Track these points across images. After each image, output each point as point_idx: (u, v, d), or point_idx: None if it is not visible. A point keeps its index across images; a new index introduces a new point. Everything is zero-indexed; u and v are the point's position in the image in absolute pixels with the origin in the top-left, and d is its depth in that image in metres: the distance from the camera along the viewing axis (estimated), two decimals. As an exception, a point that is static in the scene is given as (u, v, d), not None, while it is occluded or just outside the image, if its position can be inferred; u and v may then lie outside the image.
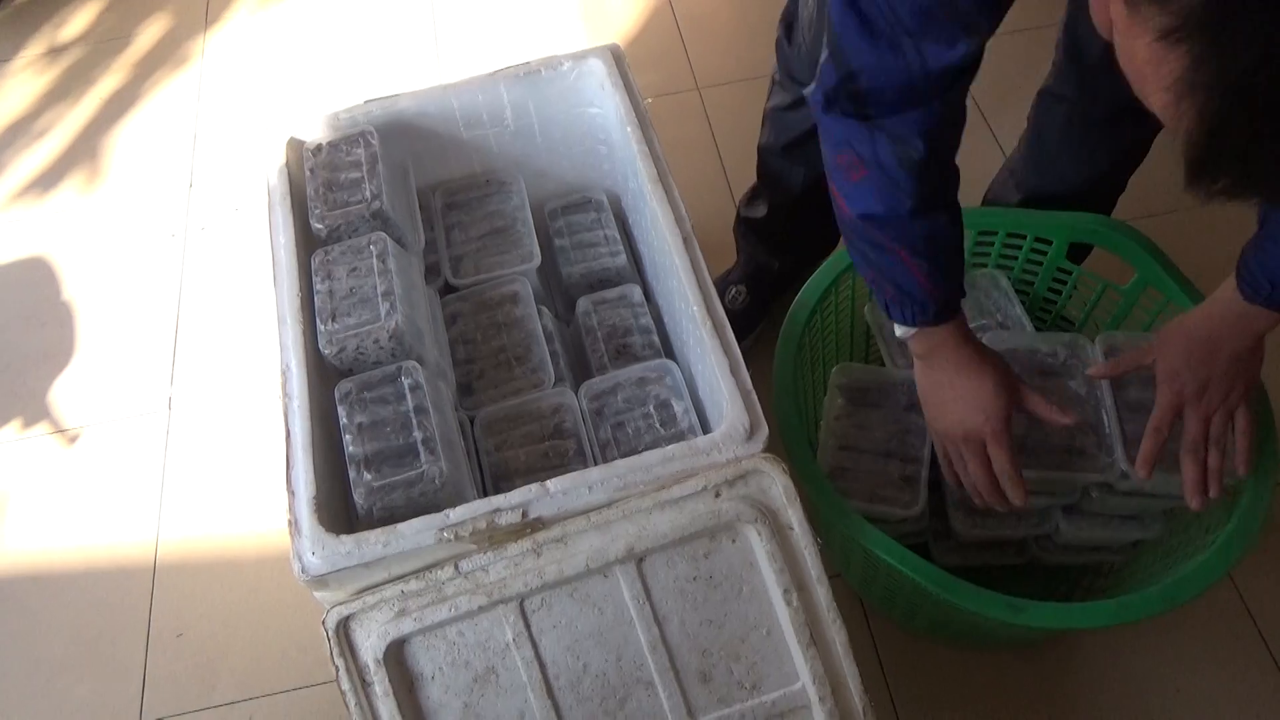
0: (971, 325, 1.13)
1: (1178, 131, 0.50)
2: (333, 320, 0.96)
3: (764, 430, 0.85)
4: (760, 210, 1.44)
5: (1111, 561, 1.14)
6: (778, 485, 0.82)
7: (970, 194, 1.23)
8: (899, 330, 0.92)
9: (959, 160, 0.87)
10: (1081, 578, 1.19)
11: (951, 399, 0.93)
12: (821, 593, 0.81)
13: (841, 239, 0.95)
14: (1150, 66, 0.50)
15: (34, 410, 1.53)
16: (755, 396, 0.87)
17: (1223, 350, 0.88)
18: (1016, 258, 1.17)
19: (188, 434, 1.48)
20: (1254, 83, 0.45)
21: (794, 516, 0.82)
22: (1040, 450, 0.98)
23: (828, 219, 1.42)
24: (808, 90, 0.84)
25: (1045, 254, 1.15)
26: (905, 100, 0.77)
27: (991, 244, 1.17)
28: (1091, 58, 1.08)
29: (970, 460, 0.93)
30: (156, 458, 1.46)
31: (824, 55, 0.80)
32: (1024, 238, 1.14)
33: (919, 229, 0.84)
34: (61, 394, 1.55)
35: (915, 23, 0.71)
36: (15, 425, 1.52)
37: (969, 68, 0.76)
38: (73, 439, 1.49)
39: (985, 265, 1.20)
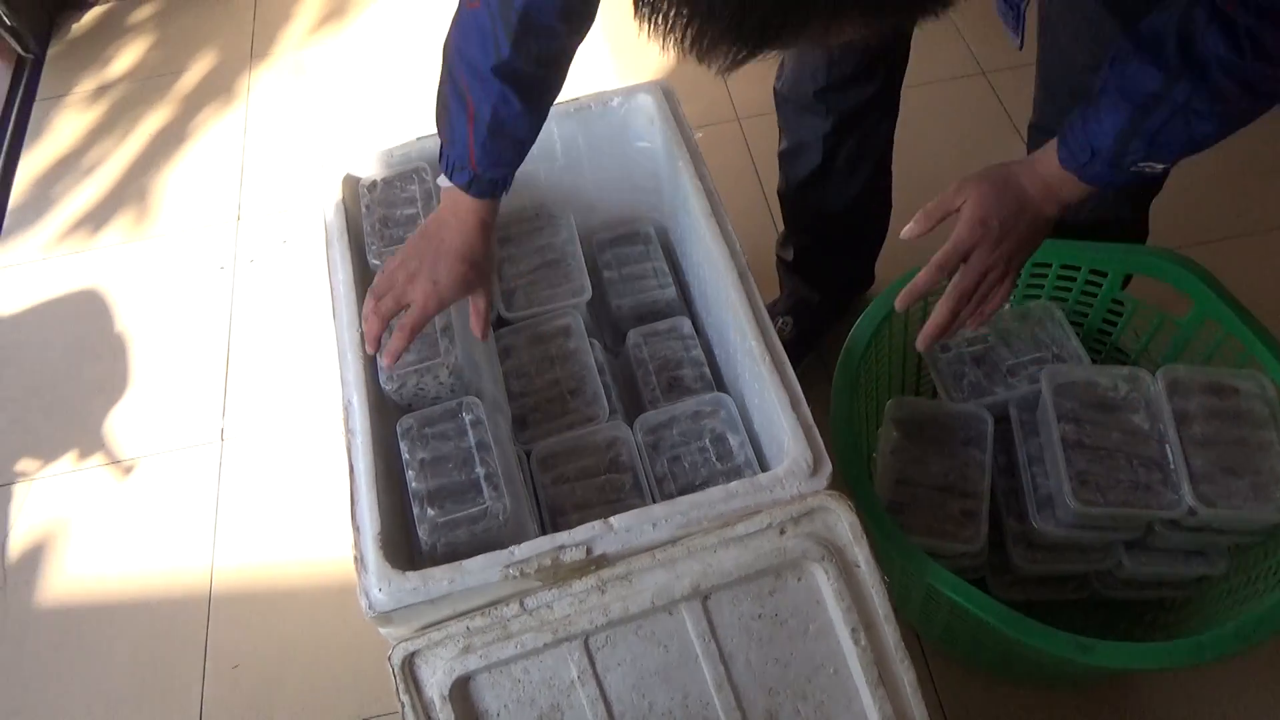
0: (1026, 358, 1.12)
1: None
2: None
3: (828, 466, 0.84)
4: (789, 252, 1.48)
5: (1174, 597, 1.12)
6: (844, 522, 0.82)
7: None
8: (442, 180, 0.94)
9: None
10: (1143, 614, 1.17)
11: (425, 247, 0.94)
12: (889, 631, 0.80)
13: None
14: None
15: (90, 442, 1.55)
16: (817, 432, 0.87)
17: (1029, 211, 0.86)
18: (1070, 289, 1.16)
19: (241, 465, 1.50)
20: None
21: (860, 554, 0.81)
22: (1106, 486, 0.97)
23: (856, 253, 1.42)
24: None
25: (1100, 286, 1.14)
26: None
27: (1045, 276, 1.16)
28: (1064, 91, 1.08)
29: (383, 300, 0.93)
30: (210, 489, 1.48)
31: None
32: (1078, 269, 1.14)
33: (494, 93, 0.86)
34: (116, 426, 1.57)
35: None
36: (72, 456, 1.54)
37: None
38: (128, 470, 1.52)
39: (1039, 297, 1.19)
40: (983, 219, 0.85)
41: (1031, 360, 1.12)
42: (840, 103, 1.20)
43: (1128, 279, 1.17)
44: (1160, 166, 0.80)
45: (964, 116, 1.84)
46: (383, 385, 0.96)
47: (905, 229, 0.88)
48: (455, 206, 0.94)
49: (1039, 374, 1.07)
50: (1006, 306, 1.21)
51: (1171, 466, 0.98)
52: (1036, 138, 1.19)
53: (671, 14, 0.49)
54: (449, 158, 0.92)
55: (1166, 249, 1.11)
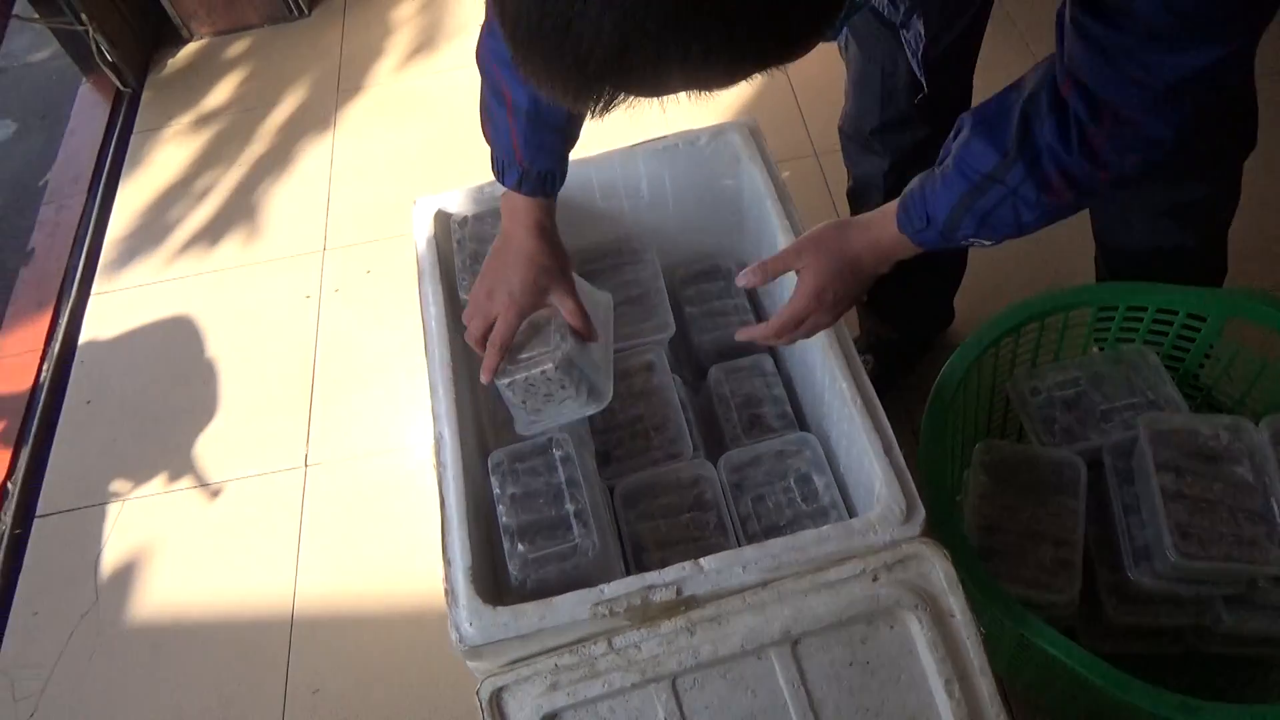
0: (1121, 403, 1.10)
1: None
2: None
3: (921, 513, 0.83)
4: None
5: (1275, 656, 1.08)
6: (938, 570, 0.80)
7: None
8: (498, 189, 0.97)
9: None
10: (1242, 672, 1.12)
11: (496, 263, 0.97)
12: (985, 684, 0.78)
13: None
14: None
15: (179, 464, 1.61)
16: (910, 478, 0.85)
17: (861, 276, 0.89)
18: (1167, 334, 1.14)
19: (324, 491, 1.54)
20: None
21: (955, 603, 0.80)
22: (1208, 540, 0.94)
23: (931, 290, 1.41)
24: None
25: (1198, 330, 1.11)
26: None
27: (1141, 319, 1.13)
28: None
29: (473, 323, 0.96)
30: (294, 513, 1.51)
31: None
32: (1175, 314, 1.11)
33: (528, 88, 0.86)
34: (206, 449, 1.62)
35: None
36: (162, 479, 1.60)
37: None
38: (215, 493, 1.56)
39: (1133, 340, 1.16)
40: (818, 292, 0.89)
41: (1126, 405, 1.10)
42: (895, 143, 1.20)
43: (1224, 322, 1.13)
44: (988, 243, 0.81)
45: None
46: (497, 383, 0.97)
47: (740, 276, 0.93)
48: (513, 213, 0.97)
49: (1134, 420, 1.05)
50: (1096, 350, 1.18)
51: (1278, 520, 0.94)
52: None
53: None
54: (498, 160, 0.95)
55: (1266, 292, 1.08)
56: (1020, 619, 0.87)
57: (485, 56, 0.92)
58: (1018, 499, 1.05)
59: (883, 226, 0.87)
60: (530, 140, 0.92)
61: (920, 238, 0.83)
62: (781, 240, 1.07)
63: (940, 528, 0.94)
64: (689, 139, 1.20)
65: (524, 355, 0.96)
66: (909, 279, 1.40)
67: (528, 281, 0.95)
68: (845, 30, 1.15)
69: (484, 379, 0.96)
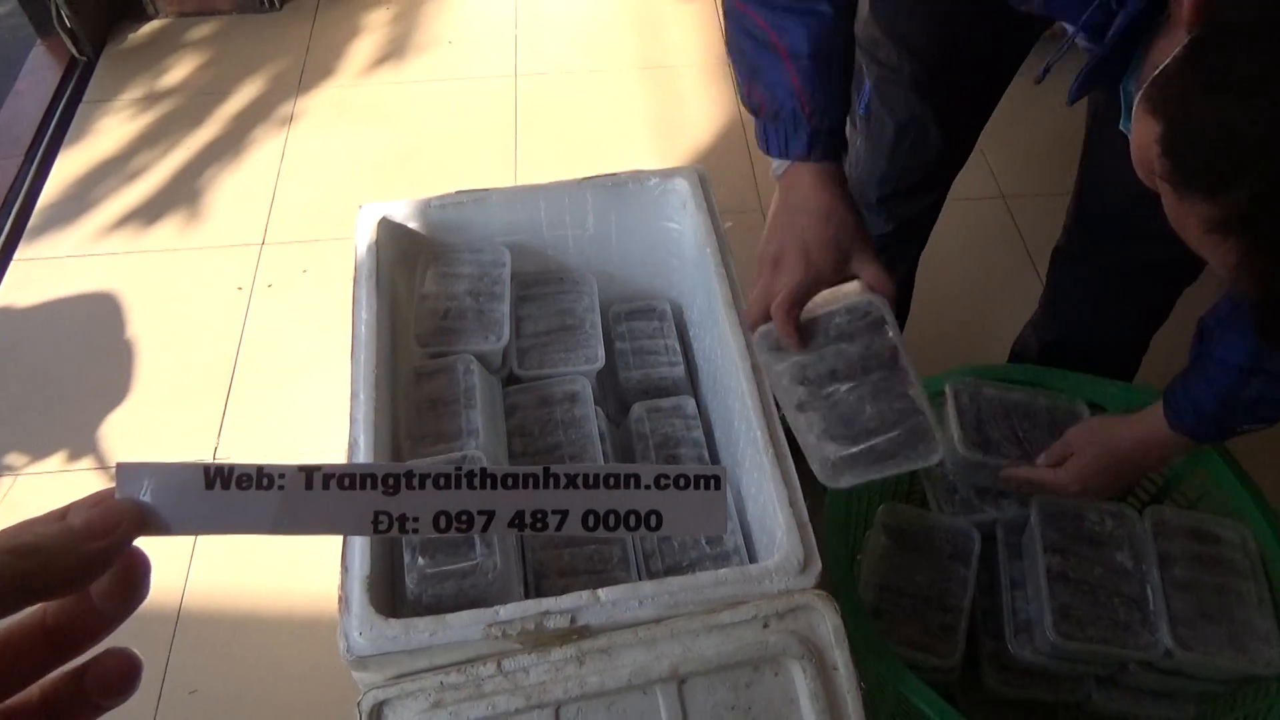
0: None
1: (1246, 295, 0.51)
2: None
3: (817, 565, 0.85)
4: None
5: (1141, 737, 1.12)
6: (827, 624, 0.82)
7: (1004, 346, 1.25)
8: (774, 165, 0.84)
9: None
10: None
11: (785, 223, 0.84)
12: (860, 739, 0.80)
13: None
14: (1205, 250, 0.52)
15: (81, 444, 1.56)
16: (811, 530, 0.88)
17: (1132, 471, 0.93)
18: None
19: (227, 485, 1.50)
20: None
21: (840, 657, 0.82)
22: (1086, 621, 0.98)
23: None
24: None
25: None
26: None
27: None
28: (1104, 227, 1.12)
29: (762, 280, 0.84)
30: (195, 506, 1.47)
31: None
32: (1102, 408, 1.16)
33: (803, 23, 0.76)
34: (111, 432, 1.58)
35: None
36: (61, 456, 1.54)
37: None
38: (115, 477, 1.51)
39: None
40: (1082, 487, 0.94)
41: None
42: (902, 208, 1.24)
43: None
44: (1266, 426, 0.84)
45: (980, 237, 1.90)
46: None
47: (1004, 475, 0.98)
48: (804, 185, 0.82)
49: (1029, 499, 1.09)
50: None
51: (1151, 608, 0.99)
52: (1061, 263, 1.23)
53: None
54: (779, 126, 0.81)
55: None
56: (901, 678, 0.89)
57: (741, 14, 0.79)
58: (913, 562, 1.08)
59: (1152, 426, 0.89)
60: (818, 84, 0.78)
61: (1196, 431, 0.86)
62: (717, 290, 1.10)
63: (835, 582, 0.97)
64: (639, 178, 1.23)
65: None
66: None
67: (825, 239, 0.80)
68: (869, 95, 1.16)
69: (788, 343, 0.81)
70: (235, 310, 1.77)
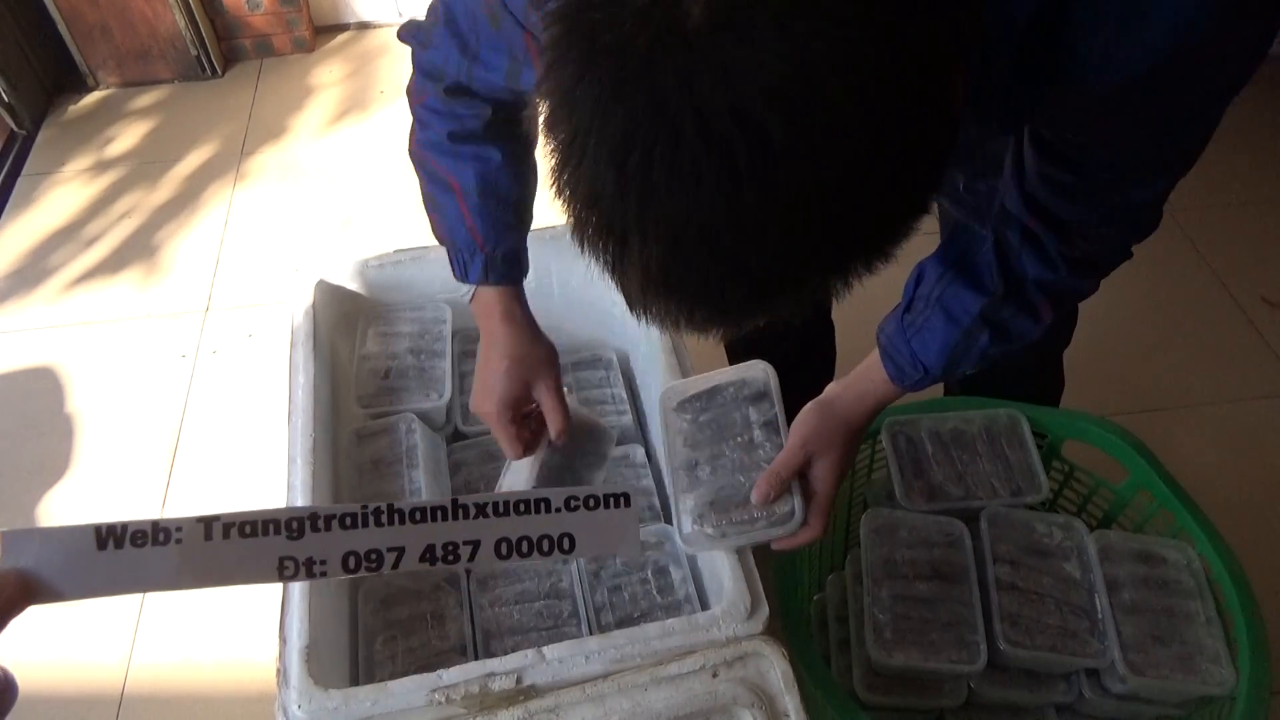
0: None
1: None
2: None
3: (764, 610, 0.85)
4: None
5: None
6: (776, 670, 0.81)
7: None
8: (463, 291, 0.93)
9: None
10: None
11: (481, 367, 0.93)
12: (814, 786, 0.79)
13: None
14: None
15: (21, 523, 1.51)
16: (757, 575, 0.87)
17: (855, 427, 0.89)
18: (1013, 448, 1.20)
19: (173, 559, 1.46)
20: None
21: (791, 704, 0.81)
22: (1034, 629, 0.98)
23: (802, 386, 1.47)
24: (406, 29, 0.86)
25: (1040, 448, 1.18)
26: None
27: (989, 433, 1.20)
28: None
29: (475, 400, 0.94)
30: (138, 582, 1.43)
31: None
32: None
33: (467, 155, 0.86)
34: (52, 508, 1.54)
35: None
36: (-2, 537, 1.50)
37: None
38: None
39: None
40: (803, 444, 0.87)
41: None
42: None
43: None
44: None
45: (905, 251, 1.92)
46: None
47: (755, 494, 0.87)
48: (486, 310, 0.93)
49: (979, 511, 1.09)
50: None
51: (1100, 616, 1.00)
52: None
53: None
54: (458, 256, 0.91)
55: (1105, 419, 1.16)
56: (852, 717, 0.88)
57: (420, 151, 0.89)
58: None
59: (868, 383, 0.88)
60: (487, 219, 0.88)
61: (919, 385, 0.85)
62: (655, 333, 1.10)
63: (788, 627, 0.96)
64: (576, 231, 1.23)
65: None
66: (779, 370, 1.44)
67: (513, 378, 0.91)
68: None
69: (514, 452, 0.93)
70: (179, 378, 1.74)
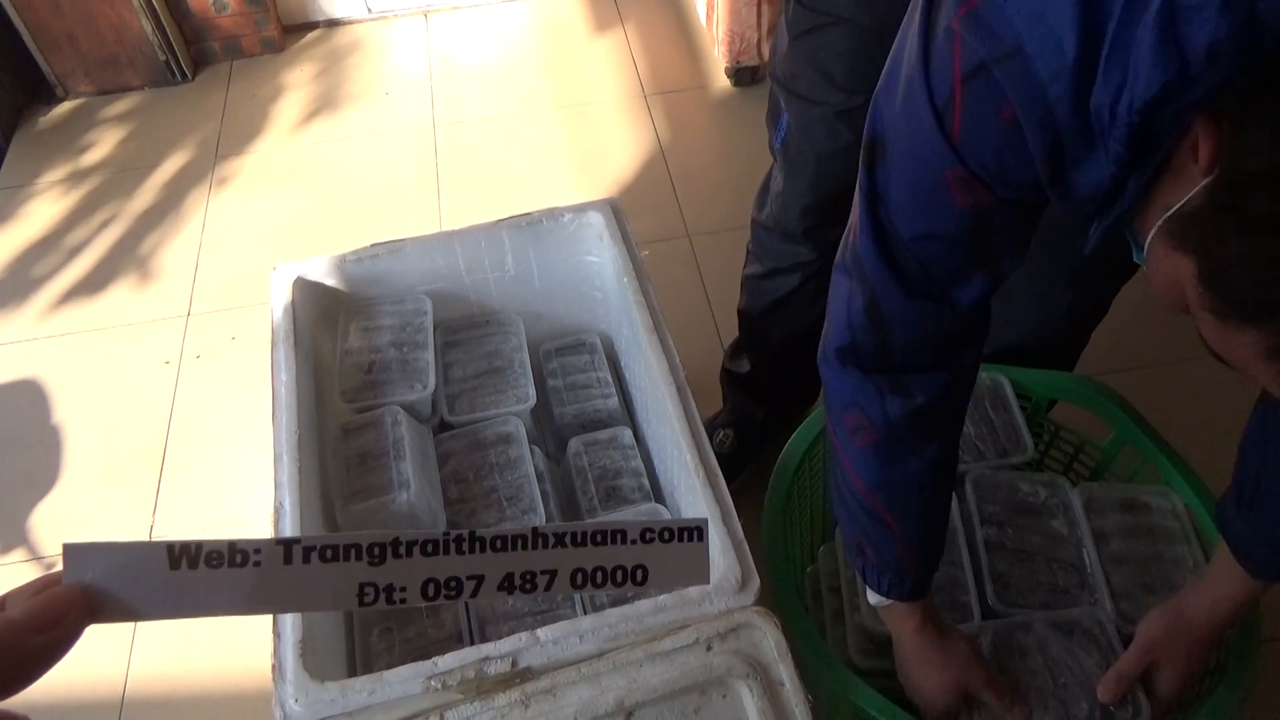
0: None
1: None
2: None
3: (755, 582, 0.85)
4: (744, 365, 1.50)
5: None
6: (769, 639, 0.82)
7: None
8: (872, 598, 0.91)
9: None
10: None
11: (921, 680, 0.92)
12: (812, 752, 0.80)
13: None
14: (1261, 373, 0.53)
15: (12, 537, 1.51)
16: (747, 547, 0.88)
17: (1205, 643, 0.87)
18: (999, 410, 1.21)
19: (167, 565, 1.46)
20: None
21: (785, 672, 0.81)
22: (1025, 588, 0.99)
23: (807, 373, 1.47)
24: (820, 353, 0.83)
25: (1025, 409, 1.19)
26: (934, 351, 0.78)
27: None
28: (1049, 231, 1.14)
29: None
30: (133, 589, 1.43)
31: (832, 312, 0.81)
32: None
33: (915, 497, 0.83)
34: (42, 521, 1.53)
35: (945, 271, 0.73)
36: (-11, 552, 1.49)
37: (991, 290, 0.76)
38: (49, 567, 1.47)
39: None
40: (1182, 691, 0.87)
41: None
42: (828, 237, 1.25)
43: (1052, 403, 1.21)
44: None
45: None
46: None
47: (1102, 693, 0.90)
48: (903, 638, 0.91)
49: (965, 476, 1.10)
50: None
51: (1089, 571, 1.01)
52: None
53: None
54: (886, 575, 0.87)
55: (1087, 377, 1.16)
56: (848, 685, 0.89)
57: (853, 493, 0.85)
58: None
59: (1224, 585, 0.85)
60: (925, 545, 0.86)
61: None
62: (637, 317, 1.10)
63: (780, 599, 0.96)
64: (553, 215, 1.23)
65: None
66: (794, 359, 1.44)
67: (949, 687, 0.90)
68: (787, 129, 1.20)
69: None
70: (164, 385, 1.73)
